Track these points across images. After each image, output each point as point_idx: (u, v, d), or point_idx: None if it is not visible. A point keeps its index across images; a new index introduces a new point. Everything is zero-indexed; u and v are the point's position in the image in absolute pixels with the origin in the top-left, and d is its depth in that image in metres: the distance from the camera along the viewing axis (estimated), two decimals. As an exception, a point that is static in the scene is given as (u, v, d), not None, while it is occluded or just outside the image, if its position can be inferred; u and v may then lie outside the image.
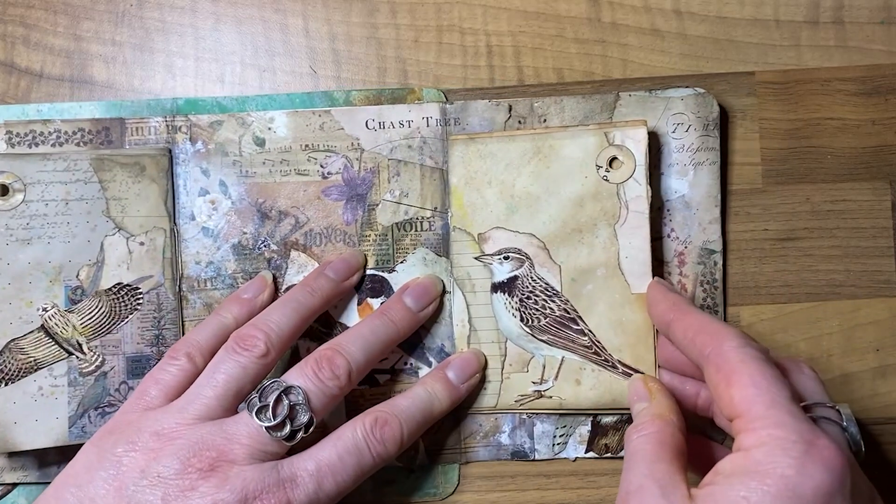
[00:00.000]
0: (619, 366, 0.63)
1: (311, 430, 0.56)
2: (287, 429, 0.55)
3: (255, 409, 0.55)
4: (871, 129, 0.67)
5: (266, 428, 0.55)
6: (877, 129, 0.67)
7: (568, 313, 0.63)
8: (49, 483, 0.63)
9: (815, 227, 0.67)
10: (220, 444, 0.54)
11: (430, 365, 0.66)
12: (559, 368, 0.64)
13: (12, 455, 0.64)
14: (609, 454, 0.66)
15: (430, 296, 0.65)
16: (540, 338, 0.64)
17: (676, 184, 0.65)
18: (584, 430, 0.66)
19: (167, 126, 0.65)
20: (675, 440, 0.53)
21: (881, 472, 0.67)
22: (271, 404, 0.55)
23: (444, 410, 0.62)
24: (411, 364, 0.66)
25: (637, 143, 0.61)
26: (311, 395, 0.57)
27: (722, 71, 0.67)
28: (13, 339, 0.61)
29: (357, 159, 0.65)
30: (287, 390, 0.56)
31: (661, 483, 0.49)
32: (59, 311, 0.62)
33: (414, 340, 0.66)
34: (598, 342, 0.63)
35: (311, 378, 0.57)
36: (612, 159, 0.62)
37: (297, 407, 0.56)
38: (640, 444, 0.53)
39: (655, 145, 0.64)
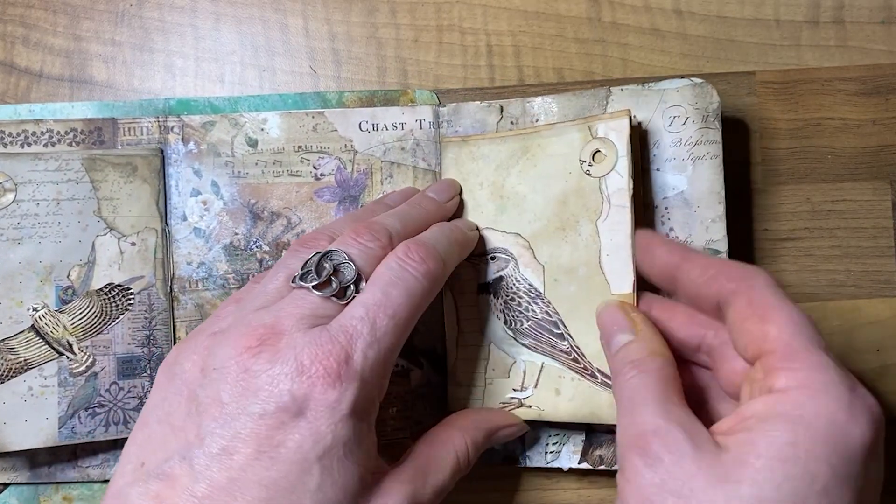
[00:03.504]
0: (598, 375, 0.59)
1: (360, 286, 0.53)
2: (334, 285, 0.52)
3: (297, 277, 0.52)
4: (871, 128, 0.66)
5: (312, 287, 0.51)
6: (877, 128, 0.66)
7: (549, 316, 0.61)
8: (38, 483, 0.64)
9: (816, 228, 0.66)
10: (268, 321, 0.50)
11: (421, 367, 0.65)
12: (539, 376, 0.61)
13: (2, 455, 0.63)
14: (603, 466, 0.64)
15: (451, 190, 0.63)
16: (522, 342, 0.62)
17: (674, 180, 0.62)
18: (579, 439, 0.65)
19: (159, 126, 0.65)
20: (677, 380, 0.50)
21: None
22: (314, 268, 0.52)
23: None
24: (403, 366, 0.65)
25: (619, 133, 0.58)
26: (353, 255, 0.53)
27: (722, 71, 0.67)
28: (3, 339, 0.61)
29: (350, 161, 0.65)
30: (327, 255, 0.53)
31: (682, 425, 0.46)
32: (49, 311, 0.62)
33: (405, 342, 0.65)
34: (578, 348, 0.60)
35: (350, 244, 0.54)
36: (595, 152, 0.59)
37: (342, 265, 0.53)
38: (642, 381, 0.50)
39: (644, 139, 0.63)
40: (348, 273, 0.53)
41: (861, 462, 0.42)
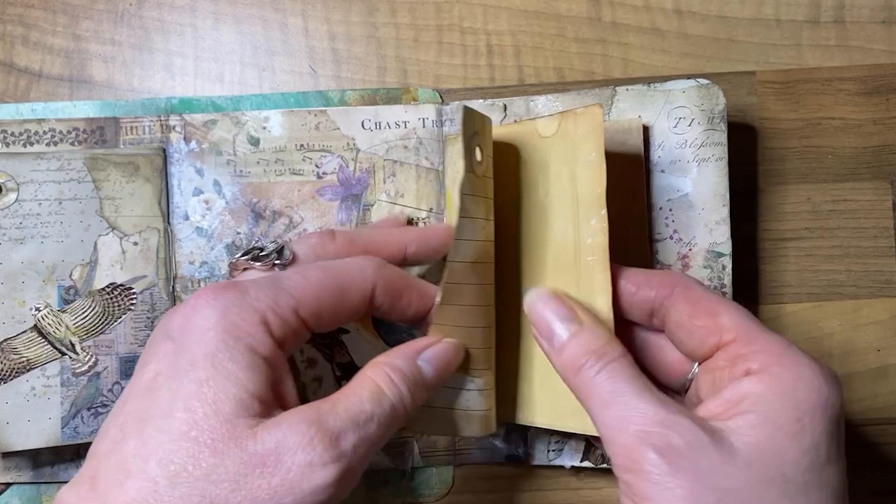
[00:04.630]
0: None
1: (284, 253, 0.53)
2: (251, 254, 0.53)
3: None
4: (872, 128, 0.66)
5: (232, 263, 0.54)
6: (878, 128, 0.66)
7: None
8: (41, 483, 0.64)
9: (816, 227, 0.66)
10: None
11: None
12: None
13: (6, 455, 0.63)
14: (605, 464, 0.64)
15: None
16: None
17: (678, 182, 0.62)
18: (581, 437, 0.64)
19: (161, 125, 0.65)
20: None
21: (882, 471, 0.66)
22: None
23: None
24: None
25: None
26: (285, 241, 0.55)
27: (723, 70, 0.67)
28: (6, 339, 0.61)
29: (353, 159, 0.65)
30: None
31: (683, 414, 0.45)
32: (52, 310, 0.61)
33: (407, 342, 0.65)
34: None
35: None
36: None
37: (260, 244, 0.54)
38: (617, 371, 0.47)
39: (648, 140, 0.63)
40: (267, 244, 0.54)
41: (841, 422, 0.45)
